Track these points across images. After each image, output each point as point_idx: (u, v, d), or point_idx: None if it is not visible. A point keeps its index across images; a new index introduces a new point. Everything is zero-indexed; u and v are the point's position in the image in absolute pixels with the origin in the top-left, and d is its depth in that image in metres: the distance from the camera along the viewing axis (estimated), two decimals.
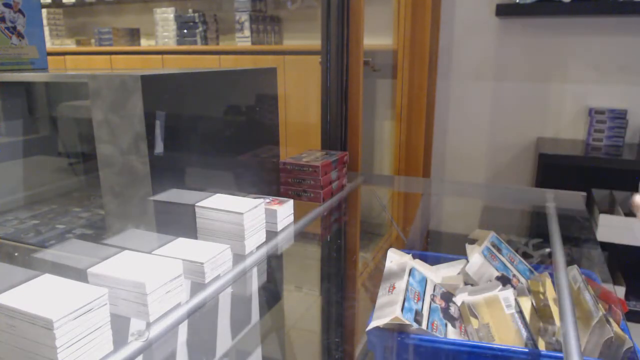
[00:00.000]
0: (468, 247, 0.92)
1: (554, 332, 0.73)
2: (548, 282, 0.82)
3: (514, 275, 0.87)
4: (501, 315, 0.74)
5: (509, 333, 0.73)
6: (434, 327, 0.72)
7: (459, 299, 0.80)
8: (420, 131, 2.25)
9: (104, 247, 0.86)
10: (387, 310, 0.70)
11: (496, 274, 0.85)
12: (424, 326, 0.70)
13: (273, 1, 3.08)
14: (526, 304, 0.77)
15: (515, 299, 0.78)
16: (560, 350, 0.70)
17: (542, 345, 0.72)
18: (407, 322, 0.68)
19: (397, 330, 0.69)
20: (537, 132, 2.39)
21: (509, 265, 0.89)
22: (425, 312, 0.73)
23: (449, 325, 0.75)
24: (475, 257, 0.87)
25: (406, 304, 0.72)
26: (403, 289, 0.75)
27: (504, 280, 0.83)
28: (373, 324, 0.69)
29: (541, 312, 0.77)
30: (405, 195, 1.66)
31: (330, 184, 1.29)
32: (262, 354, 0.77)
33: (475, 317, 0.75)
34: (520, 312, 0.76)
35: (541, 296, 0.78)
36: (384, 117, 2.70)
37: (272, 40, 3.06)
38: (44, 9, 3.58)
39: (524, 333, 0.73)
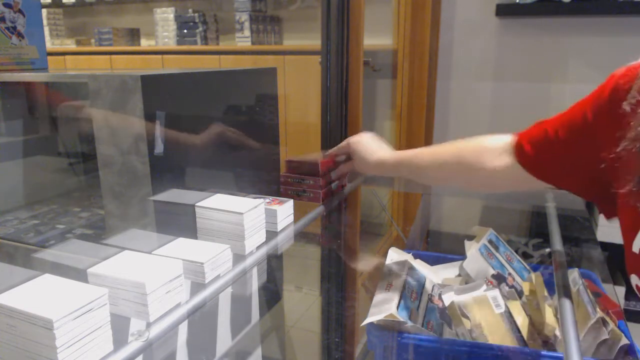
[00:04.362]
0: (467, 243, 0.93)
1: (545, 331, 0.73)
2: (539, 281, 0.82)
3: (510, 274, 0.87)
4: (491, 315, 0.74)
5: (500, 333, 0.73)
6: (429, 327, 0.72)
7: (446, 298, 0.79)
8: (420, 131, 2.25)
9: (104, 247, 0.86)
10: (383, 307, 0.70)
11: (492, 271, 0.85)
12: (419, 325, 0.70)
13: (273, 1, 3.08)
14: (515, 307, 0.77)
15: (505, 304, 0.77)
16: (554, 350, 0.70)
17: (532, 344, 0.72)
18: (402, 320, 0.68)
19: (392, 328, 0.69)
20: None
21: (505, 263, 0.89)
22: (421, 311, 0.73)
23: (445, 326, 0.75)
24: (472, 254, 0.87)
25: (402, 302, 0.72)
26: (400, 287, 0.75)
27: (499, 279, 0.83)
28: (368, 319, 0.69)
29: (532, 312, 0.77)
30: (405, 195, 1.66)
31: (330, 183, 1.29)
32: (262, 354, 0.77)
33: (467, 317, 0.75)
34: (510, 313, 0.76)
35: (533, 296, 0.78)
36: (384, 117, 2.70)
37: (272, 40, 3.06)
38: (44, 9, 3.58)
39: (516, 333, 0.73)
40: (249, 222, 0.91)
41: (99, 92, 0.82)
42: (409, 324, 0.68)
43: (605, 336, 0.68)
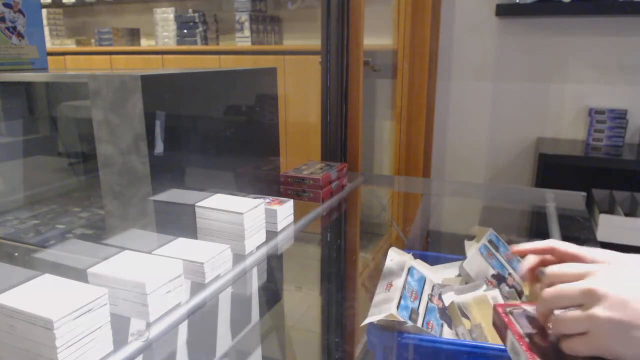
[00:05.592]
0: (467, 243, 0.92)
1: None
2: None
3: (510, 274, 0.87)
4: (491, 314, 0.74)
5: None
6: (429, 327, 0.71)
7: (446, 298, 0.79)
8: (420, 131, 2.25)
9: (104, 247, 0.86)
10: (382, 307, 0.70)
11: (492, 271, 0.85)
12: (419, 325, 0.70)
13: (273, 1, 3.08)
14: None
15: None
16: None
17: None
18: (402, 320, 0.68)
19: (393, 328, 0.69)
20: (537, 132, 2.39)
21: (505, 263, 0.89)
22: (421, 311, 0.73)
23: (445, 326, 0.75)
24: (472, 254, 0.87)
25: (402, 302, 0.72)
26: (400, 287, 0.75)
27: (499, 279, 0.83)
28: (368, 319, 0.69)
29: None
30: (405, 195, 1.66)
31: (329, 184, 1.29)
32: (262, 354, 0.77)
33: (467, 317, 0.74)
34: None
35: (533, 296, 0.78)
36: (384, 117, 2.70)
37: (272, 40, 3.06)
38: (44, 9, 3.58)
39: None
40: (249, 222, 0.91)
41: (99, 92, 0.82)
42: (409, 324, 0.68)
43: None
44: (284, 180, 1.26)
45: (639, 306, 0.44)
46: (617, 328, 0.44)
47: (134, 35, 3.53)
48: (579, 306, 0.47)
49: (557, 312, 0.50)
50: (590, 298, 0.46)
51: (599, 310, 0.45)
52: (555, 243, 0.60)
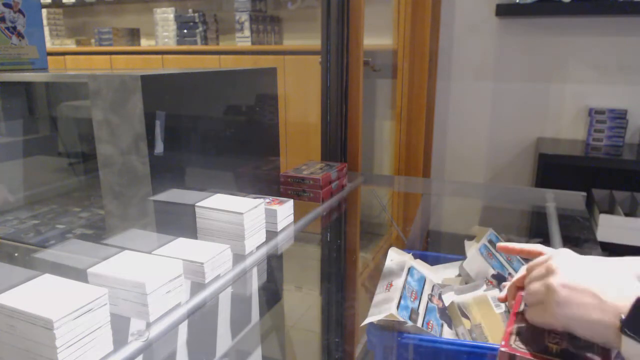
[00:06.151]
0: (467, 243, 0.92)
1: None
2: None
3: (510, 274, 0.87)
4: (491, 314, 0.74)
5: (500, 333, 0.72)
6: (429, 327, 0.72)
7: (446, 298, 0.79)
8: (420, 131, 2.25)
9: (104, 247, 0.86)
10: (382, 307, 0.70)
11: (492, 271, 0.85)
12: (419, 325, 0.70)
13: (273, 1, 3.08)
14: None
15: (505, 304, 0.77)
16: None
17: None
18: (402, 320, 0.68)
19: (393, 328, 0.69)
20: (537, 132, 2.39)
21: (505, 263, 0.89)
22: (421, 311, 0.73)
23: (445, 326, 0.75)
24: (472, 254, 0.87)
25: (402, 302, 0.72)
26: (400, 287, 0.75)
27: (499, 279, 0.83)
28: (368, 319, 0.69)
29: None
30: (405, 195, 1.66)
31: (329, 184, 1.29)
32: (262, 354, 0.77)
33: (467, 317, 0.74)
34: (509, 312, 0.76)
35: None
36: (384, 117, 2.70)
37: (272, 40, 3.06)
38: (44, 9, 3.58)
39: None
40: (249, 222, 0.91)
41: (99, 92, 0.82)
42: (409, 324, 0.68)
43: None
44: (284, 180, 1.26)
45: (585, 279, 0.51)
46: (566, 294, 0.51)
47: (134, 35, 3.53)
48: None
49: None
50: (547, 271, 0.55)
51: (551, 279, 0.53)
52: (541, 248, 0.65)
